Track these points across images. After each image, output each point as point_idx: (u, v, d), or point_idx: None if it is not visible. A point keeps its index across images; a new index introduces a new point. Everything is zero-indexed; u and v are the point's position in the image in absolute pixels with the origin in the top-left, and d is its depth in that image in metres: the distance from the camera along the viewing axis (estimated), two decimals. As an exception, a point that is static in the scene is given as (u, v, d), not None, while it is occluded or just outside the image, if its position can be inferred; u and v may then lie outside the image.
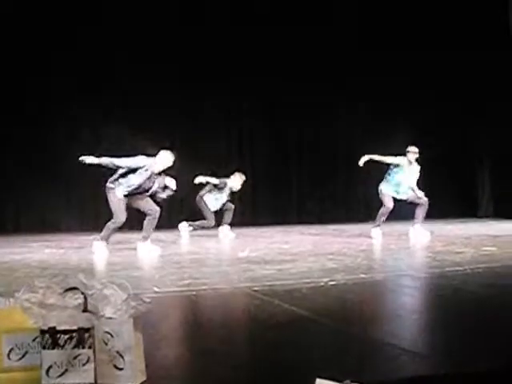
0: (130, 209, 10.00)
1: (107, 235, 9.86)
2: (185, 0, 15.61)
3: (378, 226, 11.92)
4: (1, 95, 14.44)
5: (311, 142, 17.61)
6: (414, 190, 12.03)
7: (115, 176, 9.74)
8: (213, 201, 13.24)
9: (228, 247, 11.23)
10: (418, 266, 8.05)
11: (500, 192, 18.15)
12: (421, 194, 12.04)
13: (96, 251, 9.62)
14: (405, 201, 12.15)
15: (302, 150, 17.77)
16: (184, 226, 13.21)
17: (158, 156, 10.05)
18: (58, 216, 15.43)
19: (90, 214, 15.40)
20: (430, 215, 12.45)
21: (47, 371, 2.77)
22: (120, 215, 9.73)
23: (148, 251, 9.62)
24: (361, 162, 12.03)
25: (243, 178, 13.67)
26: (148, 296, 3.11)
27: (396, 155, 12.09)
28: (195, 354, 3.69)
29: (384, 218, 12.01)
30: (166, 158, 10.07)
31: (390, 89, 16.94)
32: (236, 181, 13.52)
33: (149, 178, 9.88)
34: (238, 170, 13.77)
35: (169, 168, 10.22)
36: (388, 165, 12.13)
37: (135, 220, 10.93)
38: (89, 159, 9.63)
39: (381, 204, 12.10)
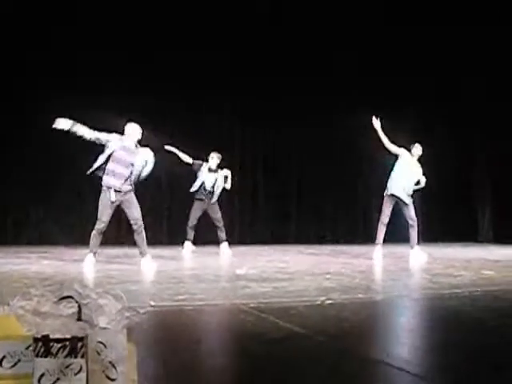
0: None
1: (92, 244, 9.66)
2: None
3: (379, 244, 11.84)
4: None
5: (311, 162, 17.61)
6: (407, 194, 11.87)
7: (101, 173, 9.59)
8: (194, 184, 13.40)
9: (226, 264, 11.22)
10: (416, 287, 8.03)
11: (500, 217, 18.17)
12: (412, 210, 11.89)
13: (85, 264, 9.49)
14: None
15: (303, 171, 17.76)
16: (188, 246, 13.22)
17: (125, 131, 9.74)
18: (57, 229, 15.42)
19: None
20: (430, 238, 12.44)
21: (39, 379, 2.75)
22: (101, 218, 9.60)
23: (147, 266, 9.55)
24: (375, 123, 11.87)
25: (219, 156, 13.57)
26: (143, 309, 3.11)
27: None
28: (186, 367, 3.67)
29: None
30: (133, 130, 9.74)
31: (395, 109, 16.95)
32: (212, 161, 13.47)
33: (117, 158, 9.56)
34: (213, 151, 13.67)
35: (139, 141, 9.82)
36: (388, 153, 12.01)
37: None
38: (62, 124, 9.29)
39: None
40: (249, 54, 16.11)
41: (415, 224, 11.83)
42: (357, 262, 10.87)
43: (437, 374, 3.58)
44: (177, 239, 14.75)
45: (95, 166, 9.54)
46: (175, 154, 13.26)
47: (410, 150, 11.96)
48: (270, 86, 16.14)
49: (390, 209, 11.86)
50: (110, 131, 9.72)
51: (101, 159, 9.55)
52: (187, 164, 13.35)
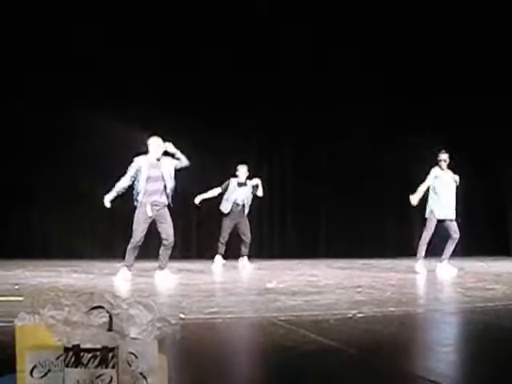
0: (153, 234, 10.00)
1: (128, 259, 9.82)
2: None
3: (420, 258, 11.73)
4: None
5: (342, 176, 17.55)
6: (451, 212, 11.78)
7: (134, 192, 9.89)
8: (224, 202, 13.28)
9: (255, 278, 11.15)
10: (448, 301, 7.94)
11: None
12: (456, 225, 11.81)
13: (119, 277, 9.59)
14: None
15: (333, 183, 17.70)
16: (219, 260, 13.12)
17: (149, 148, 9.99)
18: (86, 243, 15.48)
19: (119, 241, 15.44)
20: (461, 253, 12.30)
21: (70, 390, 2.73)
22: (136, 233, 9.73)
23: (166, 279, 9.60)
24: (414, 201, 11.85)
25: (244, 167, 13.49)
26: (175, 320, 3.07)
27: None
28: (217, 379, 3.63)
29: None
30: (153, 145, 9.95)
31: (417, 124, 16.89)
32: (241, 175, 13.40)
33: (150, 177, 9.84)
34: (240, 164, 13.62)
35: (165, 152, 10.06)
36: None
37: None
38: (107, 198, 9.95)
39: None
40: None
41: (457, 238, 11.74)
42: (387, 276, 10.78)
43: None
44: (205, 253, 14.78)
45: (116, 190, 9.98)
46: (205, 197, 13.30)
47: (437, 163, 11.87)
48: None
49: (434, 227, 11.80)
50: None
51: (123, 182, 9.99)
52: (219, 194, 13.34)
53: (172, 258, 10.13)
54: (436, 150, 12.09)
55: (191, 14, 15.30)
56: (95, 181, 14.25)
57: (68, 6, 14.41)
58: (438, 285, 9.98)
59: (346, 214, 17.73)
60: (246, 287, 9.15)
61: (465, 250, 13.20)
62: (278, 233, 17.09)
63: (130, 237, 9.84)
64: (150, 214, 9.71)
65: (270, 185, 15.52)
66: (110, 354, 2.74)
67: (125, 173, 9.98)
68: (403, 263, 13.99)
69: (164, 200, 9.89)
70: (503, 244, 18.64)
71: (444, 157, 11.88)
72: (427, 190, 11.87)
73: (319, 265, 13.81)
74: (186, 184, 11.58)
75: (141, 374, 2.81)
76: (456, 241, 11.74)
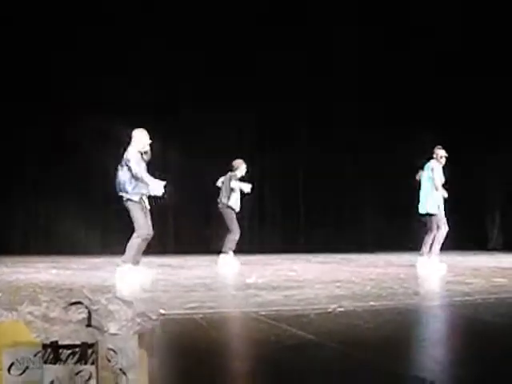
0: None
1: (131, 255, 9.36)
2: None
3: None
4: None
5: (320, 172, 17.58)
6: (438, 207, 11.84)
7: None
8: (236, 202, 12.73)
9: (235, 273, 11.13)
10: (428, 295, 7.95)
11: (510, 225, 18.14)
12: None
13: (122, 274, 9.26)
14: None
15: (311, 179, 17.72)
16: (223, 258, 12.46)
17: (135, 139, 9.59)
18: (64, 238, 15.40)
19: (96, 237, 15.39)
20: (442, 247, 12.32)
21: (48, 387, 2.69)
22: (145, 225, 9.41)
23: (146, 274, 9.31)
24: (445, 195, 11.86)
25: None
26: (155, 315, 3.04)
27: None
28: (198, 374, 3.60)
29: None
30: (140, 137, 9.62)
31: (399, 116, 16.98)
32: (243, 169, 12.97)
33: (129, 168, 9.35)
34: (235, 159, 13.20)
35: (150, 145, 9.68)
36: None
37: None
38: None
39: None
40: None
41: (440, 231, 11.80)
42: (366, 270, 10.81)
43: (452, 381, 3.50)
44: (183, 248, 14.76)
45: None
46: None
47: (435, 158, 11.88)
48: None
49: None
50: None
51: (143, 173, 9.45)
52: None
53: (151, 253, 10.06)
54: (433, 146, 12.08)
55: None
56: (71, 175, 14.23)
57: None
58: (417, 279, 10.00)
59: (324, 210, 17.77)
60: (225, 282, 9.13)
61: (444, 244, 13.22)
62: (256, 228, 17.08)
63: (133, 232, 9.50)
64: (148, 205, 9.52)
65: (249, 181, 15.48)
66: (90, 350, 2.71)
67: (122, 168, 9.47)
68: (382, 258, 14.03)
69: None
70: (481, 238, 18.76)
71: (444, 153, 11.90)
72: (421, 186, 11.90)
73: (298, 260, 13.83)
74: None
75: (121, 369, 2.78)
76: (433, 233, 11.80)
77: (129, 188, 9.33)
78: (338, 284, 8.30)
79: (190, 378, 3.55)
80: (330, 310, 5.89)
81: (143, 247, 9.43)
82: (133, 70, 15.56)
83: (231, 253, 12.30)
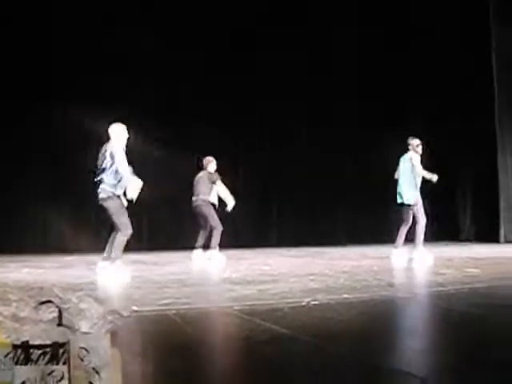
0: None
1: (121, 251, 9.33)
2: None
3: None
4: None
5: (292, 165, 17.62)
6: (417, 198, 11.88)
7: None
8: (215, 195, 12.82)
9: (209, 268, 11.11)
10: (401, 286, 7.98)
11: (481, 216, 18.29)
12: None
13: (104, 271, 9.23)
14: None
15: (283, 172, 17.74)
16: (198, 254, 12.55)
17: (114, 133, 9.44)
18: (35, 237, 15.30)
19: (69, 235, 15.30)
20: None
21: (20, 388, 2.65)
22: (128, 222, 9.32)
23: (118, 271, 9.18)
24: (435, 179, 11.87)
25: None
26: (127, 312, 3.01)
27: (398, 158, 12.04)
28: (172, 371, 3.58)
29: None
30: (121, 132, 9.49)
31: (374, 114, 17.09)
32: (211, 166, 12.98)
33: (113, 164, 9.18)
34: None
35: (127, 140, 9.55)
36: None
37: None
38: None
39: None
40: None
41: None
42: (340, 263, 10.83)
43: (430, 374, 3.50)
44: (157, 244, 14.71)
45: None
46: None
47: (413, 149, 11.92)
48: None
49: None
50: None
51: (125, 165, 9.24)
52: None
53: (125, 249, 9.98)
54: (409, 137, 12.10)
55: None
56: (44, 175, 14.15)
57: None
58: (391, 271, 10.03)
59: (297, 203, 17.80)
60: (199, 278, 9.10)
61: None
62: (230, 223, 17.04)
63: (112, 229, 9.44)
64: (125, 204, 9.41)
65: (222, 176, 15.46)
66: (61, 350, 2.67)
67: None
68: (356, 250, 14.06)
69: None
70: (453, 229, 18.88)
71: (419, 141, 11.93)
72: (398, 176, 11.95)
73: (272, 254, 13.85)
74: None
75: (93, 368, 2.75)
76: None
77: (112, 185, 9.23)
78: (312, 277, 8.31)
79: (163, 374, 3.53)
80: (303, 303, 5.88)
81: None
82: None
83: (217, 248, 12.34)
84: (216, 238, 12.34)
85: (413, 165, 11.71)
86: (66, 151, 15.21)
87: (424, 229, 11.66)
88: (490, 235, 17.48)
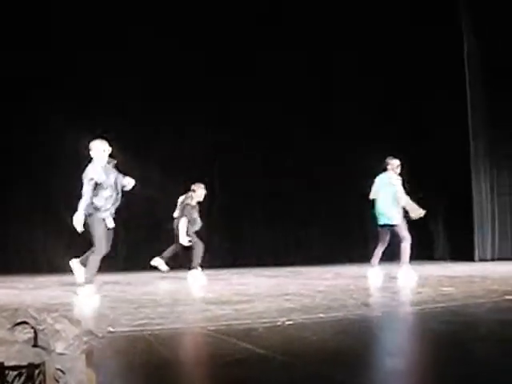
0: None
1: (94, 272, 9.31)
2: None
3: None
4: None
5: (266, 183, 17.63)
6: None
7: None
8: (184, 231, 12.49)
9: (184, 288, 11.09)
10: (377, 305, 8.00)
11: (455, 234, 18.40)
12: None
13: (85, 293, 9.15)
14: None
15: (256, 191, 17.73)
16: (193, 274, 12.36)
17: (92, 151, 9.35)
18: (9, 257, 15.17)
19: (41, 255, 15.21)
20: (386, 258, 12.43)
21: (-6, 409, 2.65)
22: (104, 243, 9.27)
23: (93, 292, 9.13)
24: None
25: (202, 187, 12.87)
26: (101, 333, 3.01)
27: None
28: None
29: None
30: (96, 147, 9.35)
31: (351, 125, 17.20)
32: (201, 194, 12.81)
33: (103, 185, 9.21)
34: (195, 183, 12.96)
35: (109, 156, 9.45)
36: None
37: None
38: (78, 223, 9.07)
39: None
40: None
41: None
42: (315, 283, 10.85)
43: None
44: (132, 265, 14.67)
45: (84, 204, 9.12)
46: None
47: (392, 169, 11.98)
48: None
49: None
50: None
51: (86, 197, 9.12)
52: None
53: (99, 270, 9.94)
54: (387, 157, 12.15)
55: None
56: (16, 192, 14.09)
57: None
58: (366, 290, 10.06)
59: (271, 223, 17.81)
60: (174, 298, 9.07)
61: (391, 255, 13.34)
62: (204, 243, 17.01)
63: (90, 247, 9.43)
64: (111, 225, 9.38)
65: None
66: (37, 371, 2.67)
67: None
68: (330, 270, 14.09)
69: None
70: (428, 248, 18.97)
71: (398, 162, 11.98)
72: (374, 196, 11.99)
73: (247, 274, 13.84)
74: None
75: (69, 389, 2.75)
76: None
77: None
78: (288, 297, 8.32)
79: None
80: (279, 323, 5.89)
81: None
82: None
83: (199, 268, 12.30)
84: (197, 258, 12.32)
85: (393, 185, 11.76)
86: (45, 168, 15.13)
87: (409, 246, 11.74)
88: (464, 254, 17.59)
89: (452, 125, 17.66)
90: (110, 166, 9.51)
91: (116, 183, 9.43)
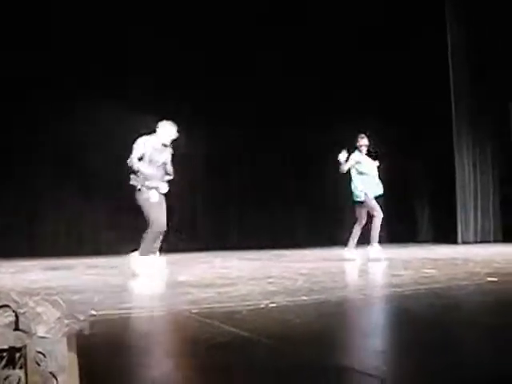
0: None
1: (146, 249, 9.52)
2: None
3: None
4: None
5: (250, 166, 17.63)
6: (366, 194, 11.97)
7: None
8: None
9: (166, 272, 11.07)
10: (358, 288, 8.02)
11: (439, 217, 18.50)
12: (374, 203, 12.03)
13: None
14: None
15: (242, 175, 17.74)
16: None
17: (159, 129, 9.63)
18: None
19: (22, 238, 15.15)
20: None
21: (-25, 394, 2.63)
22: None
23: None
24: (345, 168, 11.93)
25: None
26: (84, 316, 2.98)
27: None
28: (130, 375, 3.57)
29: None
30: (168, 129, 9.64)
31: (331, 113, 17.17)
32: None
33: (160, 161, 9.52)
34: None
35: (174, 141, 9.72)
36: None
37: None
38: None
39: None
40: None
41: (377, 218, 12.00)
42: (298, 266, 10.86)
43: (384, 371, 3.53)
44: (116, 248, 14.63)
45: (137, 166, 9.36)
46: None
47: (357, 148, 12.05)
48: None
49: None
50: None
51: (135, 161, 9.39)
52: None
53: (83, 254, 9.94)
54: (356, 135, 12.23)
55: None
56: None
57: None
58: (348, 273, 10.09)
59: (256, 206, 17.82)
60: (157, 281, 9.06)
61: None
62: (187, 225, 17.00)
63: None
64: (155, 199, 9.45)
65: (181, 177, 15.46)
66: (18, 354, 2.65)
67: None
68: (314, 253, 14.11)
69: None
70: (412, 230, 19.07)
71: (365, 142, 12.05)
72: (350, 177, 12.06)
73: (230, 257, 13.84)
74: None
75: (51, 373, 2.73)
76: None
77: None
78: (271, 280, 8.33)
79: (121, 378, 3.51)
80: (262, 305, 5.89)
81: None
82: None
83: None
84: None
85: (356, 162, 11.89)
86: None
87: (380, 224, 11.77)
88: (447, 236, 17.71)
89: (435, 106, 17.70)
90: (164, 147, 9.72)
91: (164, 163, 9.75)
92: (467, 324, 4.97)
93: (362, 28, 17.43)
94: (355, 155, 11.98)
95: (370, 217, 11.96)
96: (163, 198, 9.64)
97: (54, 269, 10.38)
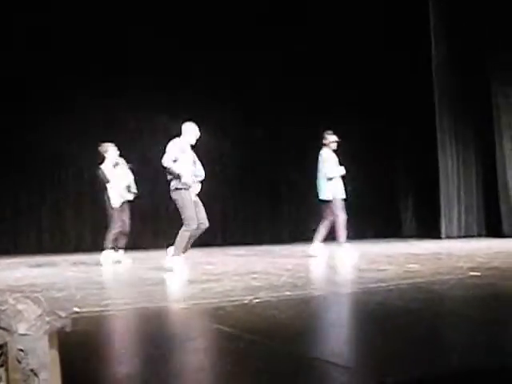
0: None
1: (182, 246, 9.62)
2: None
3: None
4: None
5: (237, 164, 17.64)
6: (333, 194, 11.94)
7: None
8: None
9: (151, 268, 11.05)
10: (343, 283, 8.05)
11: (423, 212, 18.56)
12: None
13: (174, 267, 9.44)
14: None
15: (227, 172, 17.73)
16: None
17: (184, 131, 9.76)
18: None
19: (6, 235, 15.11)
20: (353, 235, 12.48)
21: (-44, 391, 2.62)
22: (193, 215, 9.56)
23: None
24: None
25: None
26: (65, 313, 2.98)
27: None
28: (113, 373, 3.57)
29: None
30: (192, 129, 9.78)
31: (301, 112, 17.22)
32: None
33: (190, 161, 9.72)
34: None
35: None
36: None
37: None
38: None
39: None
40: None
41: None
42: (283, 261, 10.88)
43: (366, 365, 3.55)
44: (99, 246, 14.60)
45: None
46: None
47: (326, 145, 12.03)
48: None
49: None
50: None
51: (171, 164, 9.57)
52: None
53: (66, 251, 9.92)
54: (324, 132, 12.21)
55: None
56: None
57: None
58: (332, 268, 10.12)
59: (241, 201, 17.82)
60: (141, 278, 9.05)
61: (357, 232, 13.44)
62: (174, 222, 16.98)
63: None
64: (193, 198, 9.67)
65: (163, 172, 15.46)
66: (-2, 352, 2.65)
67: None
68: (299, 248, 14.13)
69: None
70: (396, 226, 19.11)
71: (335, 138, 12.03)
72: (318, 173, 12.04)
73: (215, 253, 13.85)
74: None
75: (31, 370, 2.72)
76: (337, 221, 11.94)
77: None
78: (255, 276, 8.34)
79: (103, 375, 3.51)
80: (246, 301, 5.90)
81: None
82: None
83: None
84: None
85: (324, 160, 11.88)
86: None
87: (343, 223, 11.76)
88: (431, 231, 17.75)
89: (418, 101, 17.75)
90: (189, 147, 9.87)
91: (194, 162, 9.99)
92: (448, 317, 5.01)
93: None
94: (327, 152, 11.93)
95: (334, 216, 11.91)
96: (197, 197, 9.79)
97: (38, 266, 10.35)
